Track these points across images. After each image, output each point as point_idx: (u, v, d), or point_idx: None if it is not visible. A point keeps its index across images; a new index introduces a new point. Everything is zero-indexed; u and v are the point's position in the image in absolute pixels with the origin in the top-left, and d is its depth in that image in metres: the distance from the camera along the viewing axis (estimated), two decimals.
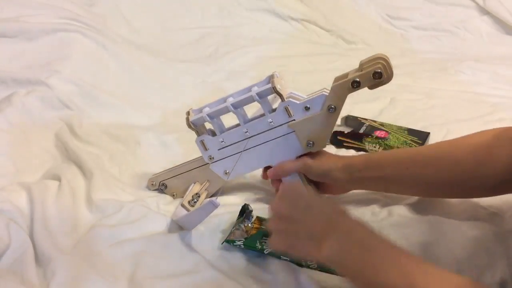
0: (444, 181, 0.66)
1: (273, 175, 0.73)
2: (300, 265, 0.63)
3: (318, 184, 0.74)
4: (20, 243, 0.67)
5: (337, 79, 0.67)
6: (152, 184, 0.81)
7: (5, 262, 0.65)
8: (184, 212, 0.72)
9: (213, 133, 0.73)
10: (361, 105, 1.08)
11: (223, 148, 0.73)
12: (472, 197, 0.70)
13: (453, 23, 1.68)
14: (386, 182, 0.70)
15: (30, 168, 0.87)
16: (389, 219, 0.71)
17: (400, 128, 0.95)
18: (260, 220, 0.71)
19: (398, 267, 0.47)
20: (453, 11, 1.72)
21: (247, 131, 0.71)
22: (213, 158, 0.74)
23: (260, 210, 0.74)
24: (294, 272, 0.62)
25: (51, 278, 0.62)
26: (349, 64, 1.59)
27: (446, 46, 1.59)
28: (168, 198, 0.81)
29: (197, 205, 0.73)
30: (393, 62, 1.50)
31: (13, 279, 0.62)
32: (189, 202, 0.73)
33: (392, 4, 1.79)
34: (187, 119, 0.72)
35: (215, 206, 0.64)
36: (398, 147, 0.89)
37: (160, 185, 0.80)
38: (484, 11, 1.68)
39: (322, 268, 0.62)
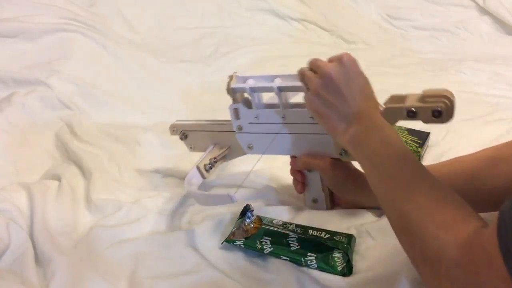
0: None
1: (295, 165, 0.72)
2: (300, 264, 0.63)
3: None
4: (20, 243, 0.67)
5: (393, 99, 0.63)
6: (174, 130, 0.79)
7: (5, 262, 0.65)
8: (198, 176, 0.72)
9: (248, 105, 0.71)
10: None
11: (254, 123, 0.71)
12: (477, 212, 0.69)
13: (453, 23, 1.68)
14: None
15: (30, 168, 0.87)
16: None
17: (400, 128, 0.95)
18: (260, 219, 0.71)
19: (405, 183, 0.50)
20: (453, 11, 1.72)
21: (284, 117, 0.69)
22: (242, 128, 0.73)
23: (261, 209, 0.74)
24: (294, 272, 0.62)
25: (51, 278, 0.62)
26: None
27: (446, 46, 1.59)
28: (166, 197, 0.80)
29: (212, 171, 0.73)
30: (393, 62, 1.50)
31: (13, 279, 0.62)
32: (204, 165, 0.73)
33: (392, 4, 1.79)
34: (229, 83, 0.69)
35: (232, 201, 0.63)
36: None
37: (181, 134, 0.78)
38: (484, 11, 1.68)
39: (322, 268, 0.62)
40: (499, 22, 1.64)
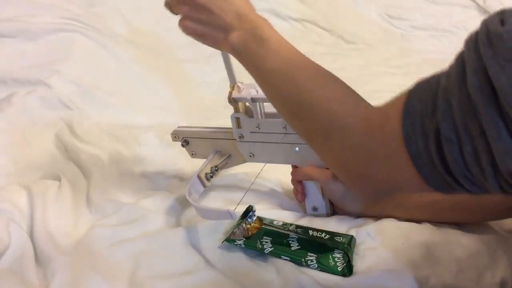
0: (451, 205, 0.66)
1: (296, 176, 0.73)
2: (300, 264, 0.63)
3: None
4: (20, 243, 0.67)
5: None
6: (175, 137, 0.79)
7: (5, 262, 0.65)
8: (199, 185, 0.72)
9: (249, 114, 0.72)
10: None
11: (255, 132, 0.72)
12: (481, 221, 0.68)
13: (453, 23, 1.68)
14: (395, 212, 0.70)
15: (30, 168, 0.87)
16: (389, 218, 0.71)
17: None
18: (261, 220, 0.71)
19: (284, 59, 0.54)
20: (453, 11, 1.73)
21: (285, 127, 0.70)
22: (243, 137, 0.73)
23: (262, 212, 0.74)
24: (294, 272, 0.62)
25: (51, 278, 0.62)
26: (349, 64, 1.59)
27: (446, 46, 1.59)
28: (167, 197, 0.80)
29: (213, 180, 0.74)
30: (393, 62, 1.49)
31: (13, 279, 0.62)
32: (205, 174, 0.73)
33: (392, 4, 1.79)
34: (230, 93, 0.70)
35: (232, 218, 0.64)
36: None
37: (182, 140, 0.79)
38: (484, 11, 1.68)
39: (323, 268, 0.62)
40: None
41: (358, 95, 0.50)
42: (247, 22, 0.58)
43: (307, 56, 0.56)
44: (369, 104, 0.48)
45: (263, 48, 0.56)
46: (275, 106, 0.57)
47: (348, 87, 0.51)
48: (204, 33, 0.62)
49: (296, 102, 0.52)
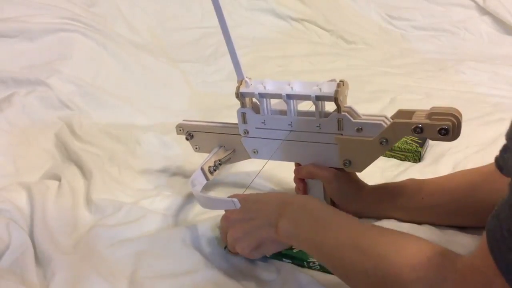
0: (453, 209, 0.66)
1: (299, 173, 0.73)
2: (301, 265, 0.63)
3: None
4: (20, 243, 0.67)
5: (400, 114, 0.63)
6: (180, 130, 0.79)
7: (5, 262, 0.65)
8: (202, 178, 0.72)
9: (256, 109, 0.71)
10: (361, 105, 1.07)
11: (261, 128, 0.71)
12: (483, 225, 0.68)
13: (453, 23, 1.68)
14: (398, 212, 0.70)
15: (30, 168, 0.87)
16: (390, 219, 0.71)
17: None
18: None
19: (345, 229, 0.53)
20: (453, 11, 1.73)
21: (291, 124, 0.69)
22: (247, 132, 0.73)
23: None
24: (295, 272, 0.62)
25: (51, 278, 0.62)
26: (349, 64, 1.58)
27: (446, 46, 1.59)
28: (167, 197, 0.80)
29: (216, 173, 0.74)
30: (393, 62, 1.49)
31: (13, 279, 0.62)
32: (209, 167, 0.73)
33: (392, 4, 1.79)
34: (238, 88, 0.69)
35: (235, 207, 0.64)
36: (398, 147, 0.89)
37: (187, 134, 0.79)
38: (484, 11, 1.68)
39: (323, 269, 0.62)
40: (499, 22, 1.64)
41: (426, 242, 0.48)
42: (292, 203, 0.59)
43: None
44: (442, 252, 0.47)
45: (319, 222, 0.55)
46: (344, 281, 0.53)
47: (415, 237, 0.51)
48: (259, 243, 0.61)
49: (371, 276, 0.49)
